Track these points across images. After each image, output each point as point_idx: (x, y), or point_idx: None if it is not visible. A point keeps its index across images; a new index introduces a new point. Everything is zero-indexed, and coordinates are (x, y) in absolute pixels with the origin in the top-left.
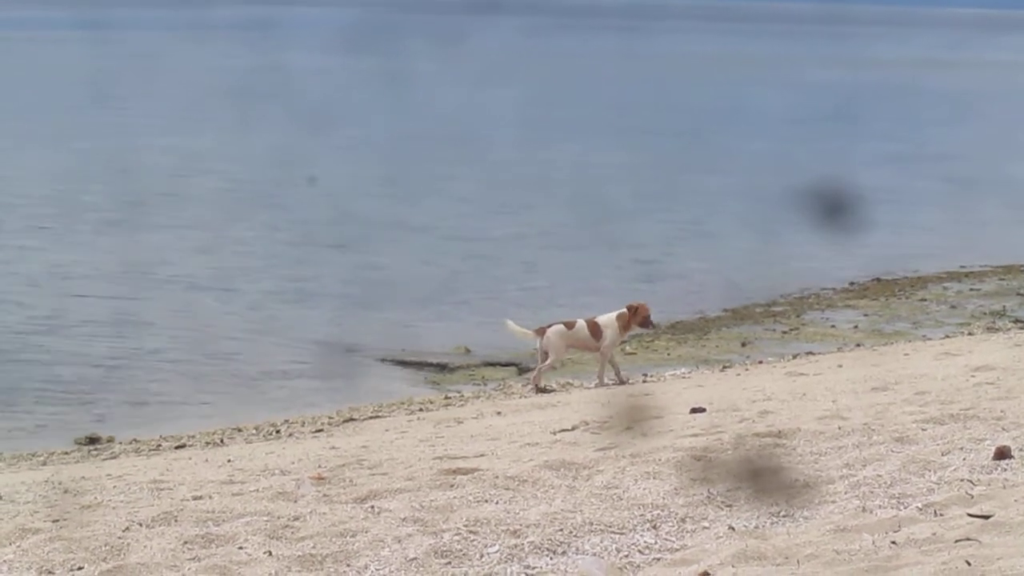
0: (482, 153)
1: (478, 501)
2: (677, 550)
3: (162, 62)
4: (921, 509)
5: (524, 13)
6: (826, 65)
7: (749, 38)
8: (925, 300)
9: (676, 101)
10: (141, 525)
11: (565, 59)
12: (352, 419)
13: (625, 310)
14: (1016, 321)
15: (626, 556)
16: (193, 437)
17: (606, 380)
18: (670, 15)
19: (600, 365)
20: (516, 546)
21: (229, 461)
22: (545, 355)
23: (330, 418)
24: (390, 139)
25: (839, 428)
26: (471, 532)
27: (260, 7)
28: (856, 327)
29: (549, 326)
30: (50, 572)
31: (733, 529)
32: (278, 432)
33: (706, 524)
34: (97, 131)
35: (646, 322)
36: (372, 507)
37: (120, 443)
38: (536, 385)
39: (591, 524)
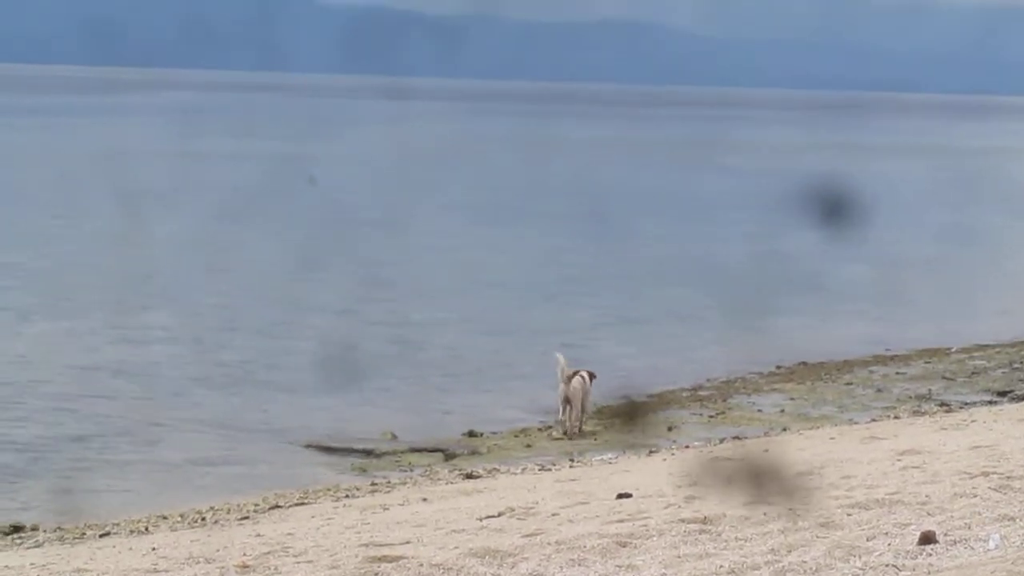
0: (403, 237)
1: None
2: None
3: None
4: None
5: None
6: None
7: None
8: (851, 384)
9: (594, 185)
10: None
11: (485, 143)
12: (278, 506)
13: None
14: (942, 404)
15: None
16: (118, 525)
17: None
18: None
19: None
20: None
21: (153, 549)
22: None
23: (256, 505)
24: (306, 222)
25: (764, 513)
26: None
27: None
28: (782, 411)
29: None
30: None
31: None
32: (203, 519)
33: None
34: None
35: None
36: None
37: (44, 531)
38: None
39: None
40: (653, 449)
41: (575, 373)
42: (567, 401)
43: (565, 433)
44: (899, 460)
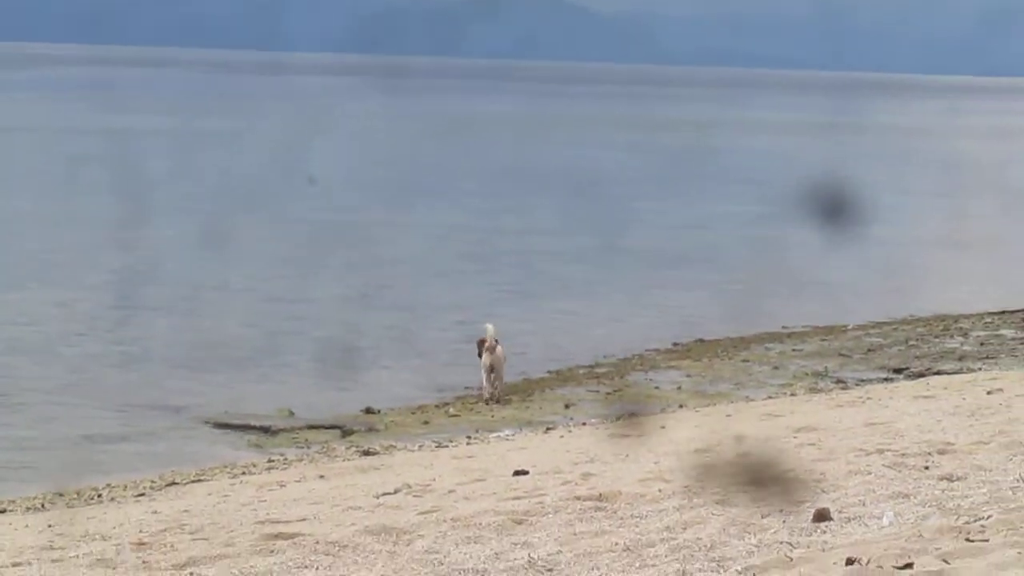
0: (300, 213)
1: (298, 567)
2: None
3: None
4: (740, 572)
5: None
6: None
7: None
8: (748, 361)
9: (488, 162)
10: None
11: (382, 119)
12: (174, 483)
13: None
14: (838, 381)
15: None
16: (13, 502)
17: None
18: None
19: None
20: None
21: (50, 526)
22: None
23: (152, 482)
24: (202, 200)
25: (660, 490)
26: None
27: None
28: (679, 388)
29: None
30: None
31: None
32: (100, 497)
33: None
34: None
35: None
36: (191, 574)
37: None
38: None
39: None
40: (550, 426)
41: (495, 342)
42: (491, 369)
43: (488, 400)
44: (795, 437)
